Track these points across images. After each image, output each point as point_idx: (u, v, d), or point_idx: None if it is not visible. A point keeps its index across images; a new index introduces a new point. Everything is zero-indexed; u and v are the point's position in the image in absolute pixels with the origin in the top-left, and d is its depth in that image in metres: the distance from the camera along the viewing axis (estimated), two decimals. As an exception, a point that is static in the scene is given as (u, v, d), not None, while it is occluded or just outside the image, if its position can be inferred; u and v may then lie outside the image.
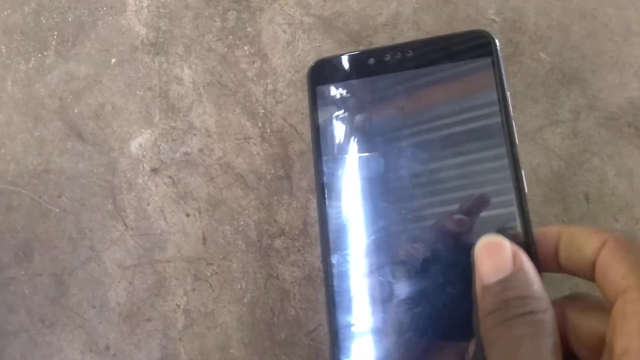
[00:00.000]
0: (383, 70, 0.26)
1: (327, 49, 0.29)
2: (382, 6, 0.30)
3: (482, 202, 0.24)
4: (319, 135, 0.25)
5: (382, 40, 0.30)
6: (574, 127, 0.28)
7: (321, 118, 0.25)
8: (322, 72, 0.26)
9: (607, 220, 0.27)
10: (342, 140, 0.25)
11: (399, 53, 0.25)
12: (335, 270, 0.23)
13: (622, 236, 0.18)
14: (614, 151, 0.28)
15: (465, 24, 0.30)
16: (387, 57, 0.25)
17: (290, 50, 0.30)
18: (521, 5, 0.30)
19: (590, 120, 0.28)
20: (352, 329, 0.22)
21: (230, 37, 0.30)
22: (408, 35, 0.30)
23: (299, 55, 0.30)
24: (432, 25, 0.30)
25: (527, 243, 0.22)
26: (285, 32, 0.30)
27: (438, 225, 0.23)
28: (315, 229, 0.27)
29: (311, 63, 0.25)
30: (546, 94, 0.29)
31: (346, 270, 0.23)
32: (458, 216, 0.23)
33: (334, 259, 0.23)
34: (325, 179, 0.24)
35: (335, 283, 0.23)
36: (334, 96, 0.26)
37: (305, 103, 0.29)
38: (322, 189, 0.24)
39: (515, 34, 0.30)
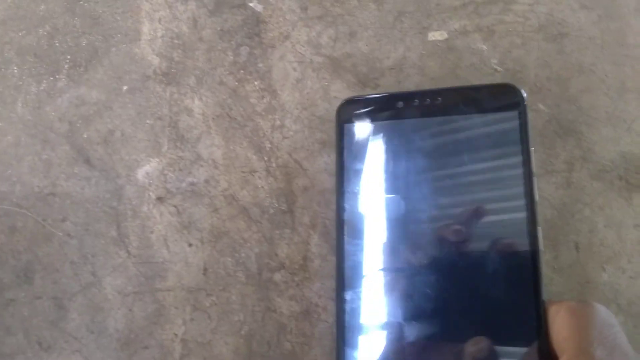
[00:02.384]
0: (410, 115, 0.27)
1: (335, 89, 0.31)
2: (390, 50, 0.32)
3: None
4: (342, 171, 0.26)
5: (388, 83, 0.32)
6: (568, 177, 0.30)
7: (346, 155, 0.27)
8: (351, 110, 0.27)
9: (596, 269, 0.28)
10: (364, 179, 0.27)
11: (428, 99, 0.27)
12: (347, 307, 0.24)
13: (575, 305, 0.21)
14: (605, 203, 0.30)
15: (469, 72, 0.32)
16: (416, 102, 0.27)
17: (299, 88, 0.31)
18: (523, 56, 0.32)
19: (584, 171, 0.30)
20: None
21: (242, 71, 0.32)
22: (414, 79, 0.32)
23: (308, 93, 0.31)
24: (437, 71, 0.32)
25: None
26: (295, 69, 0.32)
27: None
28: (315, 264, 0.28)
29: (342, 100, 0.27)
30: (543, 144, 0.31)
31: (358, 307, 0.24)
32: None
33: (347, 295, 0.24)
34: (345, 215, 0.26)
35: (346, 319, 0.24)
36: (360, 135, 0.27)
37: (311, 140, 0.30)
38: (342, 225, 0.25)
39: (516, 84, 0.32)
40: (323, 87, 0.31)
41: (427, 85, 0.31)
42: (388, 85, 0.31)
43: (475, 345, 0.23)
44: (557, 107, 0.31)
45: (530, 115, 0.31)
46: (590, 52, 0.32)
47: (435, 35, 0.33)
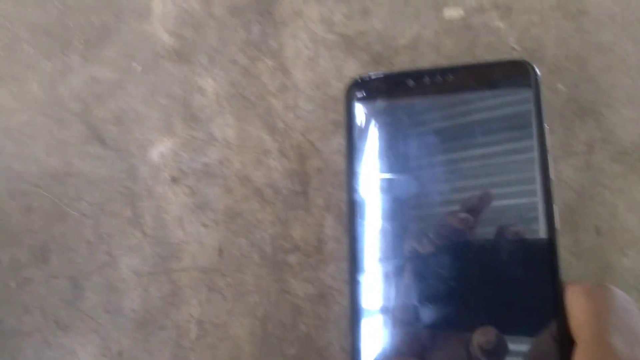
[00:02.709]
0: (422, 92, 0.27)
1: (348, 68, 0.31)
2: (405, 27, 0.31)
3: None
4: (353, 152, 0.26)
5: (403, 61, 0.31)
6: (587, 159, 0.30)
7: (356, 135, 0.26)
8: (360, 89, 0.27)
9: (616, 253, 0.28)
10: (375, 159, 0.27)
11: (439, 76, 0.26)
12: (360, 289, 0.24)
13: (592, 288, 0.21)
14: (625, 185, 0.29)
15: (486, 50, 0.31)
16: (427, 80, 0.26)
17: (312, 67, 0.31)
18: (541, 35, 0.31)
19: (604, 153, 0.30)
20: (374, 346, 0.24)
21: (254, 49, 0.31)
22: (429, 58, 0.31)
23: (321, 72, 0.31)
24: (452, 49, 0.31)
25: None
26: (307, 48, 0.31)
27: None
28: (329, 247, 0.28)
29: (351, 80, 0.27)
30: (562, 125, 0.30)
31: (371, 290, 0.24)
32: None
33: (360, 278, 0.24)
34: (356, 196, 0.25)
35: (359, 301, 0.24)
36: (371, 114, 0.27)
37: (324, 120, 0.30)
38: (353, 207, 0.25)
39: (534, 63, 0.31)
40: (336, 66, 0.31)
41: (442, 64, 0.31)
42: (403, 64, 0.31)
43: (484, 335, 0.23)
44: (576, 87, 0.31)
45: (549, 95, 0.31)
46: (610, 30, 0.31)
47: (451, 13, 0.32)
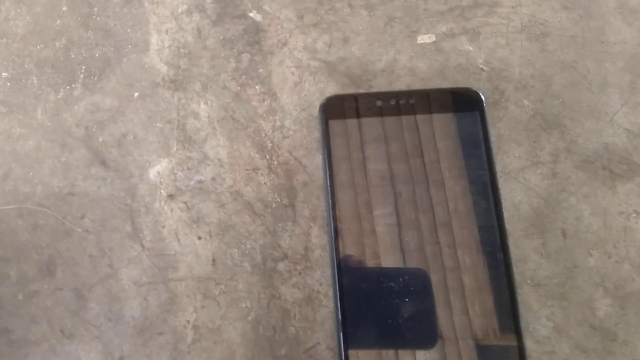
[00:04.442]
0: (388, 113, 0.31)
1: (330, 90, 0.34)
2: (382, 53, 0.35)
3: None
4: (330, 164, 0.30)
5: (380, 84, 0.35)
6: (553, 168, 0.33)
7: (331, 148, 0.30)
8: (334, 107, 0.31)
9: (582, 254, 0.31)
10: (349, 170, 0.30)
11: (402, 99, 0.31)
12: (344, 292, 0.28)
13: None
14: (590, 191, 0.32)
15: (457, 71, 0.35)
16: (392, 101, 0.31)
17: (297, 91, 0.35)
18: (507, 56, 0.35)
19: (568, 162, 0.33)
20: (360, 335, 0.27)
21: (244, 77, 0.35)
22: (404, 80, 0.35)
23: (305, 95, 0.35)
24: (425, 71, 0.35)
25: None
26: (293, 74, 0.35)
27: None
28: (315, 255, 0.31)
29: (323, 99, 0.31)
30: (528, 138, 0.33)
31: (354, 292, 0.28)
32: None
33: (344, 281, 0.28)
34: (335, 207, 0.29)
35: (344, 303, 0.28)
36: (343, 130, 0.31)
37: (309, 139, 0.34)
38: (333, 217, 0.29)
39: (502, 82, 0.35)
40: (319, 89, 0.35)
41: (417, 86, 0.34)
42: (380, 86, 0.35)
43: None
44: (541, 102, 0.34)
45: (516, 111, 0.34)
46: (572, 50, 0.35)
47: (424, 39, 0.36)
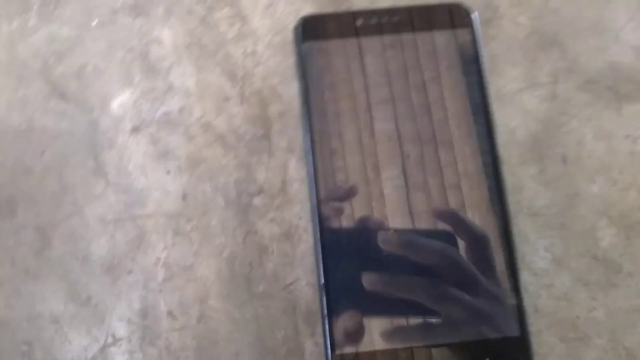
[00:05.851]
0: (369, 33, 0.29)
1: (307, 11, 0.32)
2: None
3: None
4: (306, 90, 0.28)
5: (362, 2, 0.33)
6: (552, 90, 0.31)
7: (307, 74, 0.28)
8: (309, 29, 0.29)
9: (585, 181, 0.29)
10: (329, 97, 0.29)
11: (385, 17, 0.29)
12: (324, 226, 0.26)
13: None
14: (593, 114, 0.30)
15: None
16: (373, 20, 0.29)
17: (269, 13, 0.33)
18: (501, -32, 0.33)
19: (569, 83, 0.31)
20: (344, 281, 0.26)
21: (211, -1, 0.33)
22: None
23: (278, 18, 0.32)
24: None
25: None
26: (265, -6, 0.33)
27: None
28: (293, 188, 0.30)
29: (297, 20, 0.29)
30: (525, 58, 0.31)
31: (334, 226, 0.26)
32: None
33: (323, 214, 0.26)
34: (314, 136, 0.28)
35: (324, 237, 0.26)
36: (320, 53, 0.29)
37: (284, 65, 0.32)
38: (312, 148, 0.27)
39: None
40: (295, 11, 0.32)
41: (403, 3, 0.32)
42: (362, 5, 0.32)
43: None
44: (538, 19, 0.32)
45: (511, 29, 0.32)
46: (573, -41, 0.33)
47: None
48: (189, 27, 0.33)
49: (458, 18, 0.30)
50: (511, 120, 0.30)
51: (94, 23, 0.32)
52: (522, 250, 0.28)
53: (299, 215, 0.29)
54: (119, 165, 0.30)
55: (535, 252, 0.29)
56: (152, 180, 0.30)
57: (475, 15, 0.30)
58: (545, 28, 0.32)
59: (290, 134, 0.31)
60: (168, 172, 0.30)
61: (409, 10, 0.30)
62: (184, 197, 0.30)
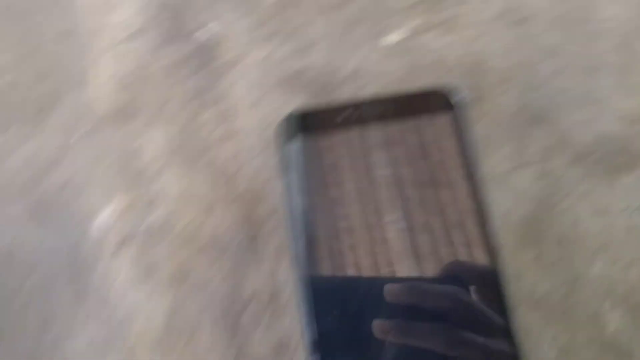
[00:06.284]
0: (354, 124, 0.29)
1: (293, 106, 0.32)
2: (346, 59, 0.33)
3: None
4: (289, 191, 0.28)
5: (348, 92, 0.32)
6: (543, 167, 0.30)
7: (292, 170, 0.28)
8: (292, 126, 0.29)
9: (584, 263, 0.28)
10: (314, 191, 0.28)
11: (370, 107, 0.29)
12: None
13: None
14: (586, 190, 0.30)
15: (430, 71, 0.32)
16: (357, 113, 0.29)
17: (255, 111, 0.32)
18: (485, 47, 0.32)
19: (560, 159, 0.30)
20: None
21: (194, 102, 0.33)
22: (372, 86, 0.32)
23: (264, 115, 0.32)
24: (395, 74, 0.32)
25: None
26: (249, 93, 0.33)
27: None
28: (285, 295, 0.29)
29: (281, 119, 0.29)
30: (514, 136, 0.31)
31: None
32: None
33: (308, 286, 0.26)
34: (296, 230, 0.27)
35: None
36: (306, 149, 0.29)
37: (271, 164, 0.31)
38: (296, 238, 0.27)
39: (479, 77, 0.32)
40: (282, 106, 0.32)
41: (388, 91, 0.32)
42: (348, 96, 0.32)
43: None
44: (524, 95, 0.32)
45: (497, 108, 0.32)
46: (553, 34, 0.33)
47: (390, 39, 0.34)
48: (174, 133, 0.32)
49: (443, 102, 0.29)
50: (504, 202, 0.30)
51: (74, 138, 0.32)
52: (527, 344, 0.27)
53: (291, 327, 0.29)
54: (99, 294, 0.30)
55: (541, 345, 0.28)
56: (134, 307, 0.29)
57: (460, 97, 0.29)
58: (532, 103, 0.32)
59: (280, 234, 0.30)
60: (152, 293, 0.30)
61: (391, 99, 0.29)
62: (170, 319, 0.29)
